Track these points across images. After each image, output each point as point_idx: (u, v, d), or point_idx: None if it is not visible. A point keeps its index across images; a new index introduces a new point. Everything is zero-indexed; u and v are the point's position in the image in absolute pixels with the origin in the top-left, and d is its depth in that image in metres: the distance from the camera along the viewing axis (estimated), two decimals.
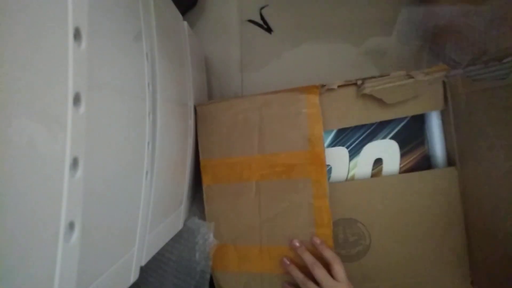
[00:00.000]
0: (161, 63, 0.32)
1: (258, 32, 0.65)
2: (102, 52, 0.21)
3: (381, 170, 0.45)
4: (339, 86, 0.42)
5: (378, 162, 0.45)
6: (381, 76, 0.41)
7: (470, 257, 0.42)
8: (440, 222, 0.42)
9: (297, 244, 0.42)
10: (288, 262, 0.42)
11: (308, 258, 0.40)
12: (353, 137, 0.46)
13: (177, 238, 0.46)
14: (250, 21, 0.65)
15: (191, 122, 0.45)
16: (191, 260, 0.45)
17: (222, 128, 0.46)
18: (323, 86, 0.42)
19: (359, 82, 0.42)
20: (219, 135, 0.46)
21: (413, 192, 0.42)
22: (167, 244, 0.44)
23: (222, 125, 0.46)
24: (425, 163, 0.45)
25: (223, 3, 0.65)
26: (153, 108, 0.31)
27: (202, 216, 0.47)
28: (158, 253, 0.48)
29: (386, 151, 0.45)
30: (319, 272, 0.38)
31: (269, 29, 0.65)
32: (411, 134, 0.45)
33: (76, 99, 0.17)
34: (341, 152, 0.46)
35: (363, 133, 0.45)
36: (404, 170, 0.45)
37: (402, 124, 0.45)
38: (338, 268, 0.38)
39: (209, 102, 0.47)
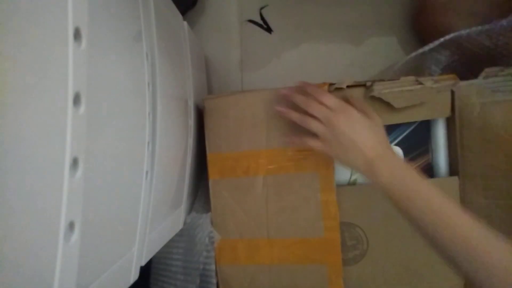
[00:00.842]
0: (161, 63, 0.32)
1: (258, 32, 0.65)
2: (102, 52, 0.21)
3: None
4: (348, 86, 0.41)
5: None
6: (391, 80, 0.41)
7: None
8: None
9: (285, 91, 0.41)
10: (284, 110, 0.41)
11: (300, 98, 0.39)
12: None
13: (181, 235, 0.46)
14: (250, 21, 0.65)
15: (191, 122, 0.45)
16: (195, 256, 0.45)
17: (229, 122, 0.45)
18: (331, 84, 0.42)
19: (368, 84, 0.42)
20: (227, 129, 0.46)
21: None
22: (172, 241, 0.44)
23: (230, 119, 0.45)
24: (428, 172, 0.45)
25: (223, 3, 0.65)
26: (153, 108, 0.31)
27: (205, 213, 0.47)
28: (164, 251, 0.48)
29: None
30: (314, 106, 0.37)
31: (269, 29, 0.65)
32: (416, 142, 0.45)
33: (76, 99, 0.17)
34: None
35: None
36: None
37: (407, 131, 0.45)
38: (327, 97, 0.37)
39: (217, 95, 0.46)
